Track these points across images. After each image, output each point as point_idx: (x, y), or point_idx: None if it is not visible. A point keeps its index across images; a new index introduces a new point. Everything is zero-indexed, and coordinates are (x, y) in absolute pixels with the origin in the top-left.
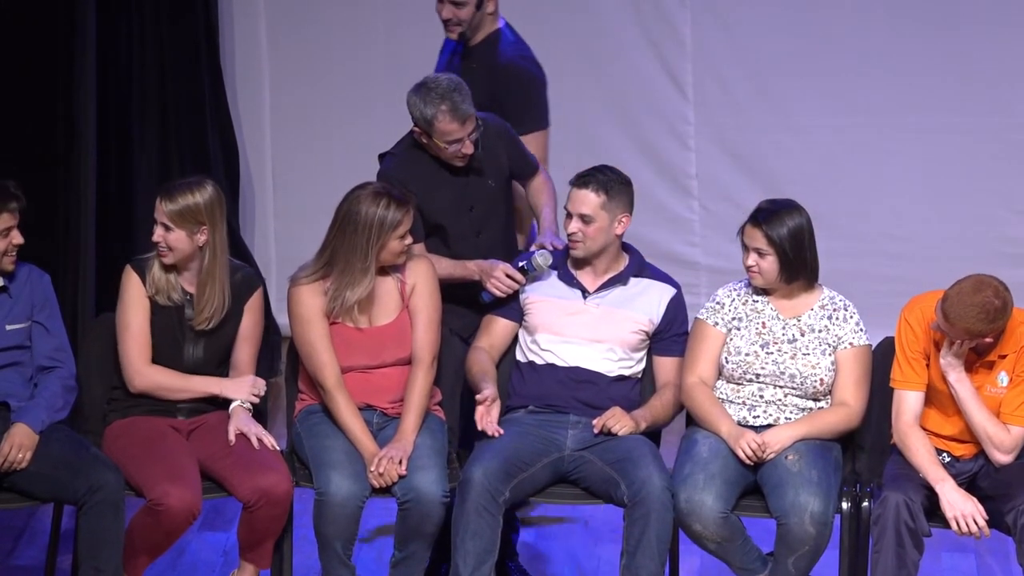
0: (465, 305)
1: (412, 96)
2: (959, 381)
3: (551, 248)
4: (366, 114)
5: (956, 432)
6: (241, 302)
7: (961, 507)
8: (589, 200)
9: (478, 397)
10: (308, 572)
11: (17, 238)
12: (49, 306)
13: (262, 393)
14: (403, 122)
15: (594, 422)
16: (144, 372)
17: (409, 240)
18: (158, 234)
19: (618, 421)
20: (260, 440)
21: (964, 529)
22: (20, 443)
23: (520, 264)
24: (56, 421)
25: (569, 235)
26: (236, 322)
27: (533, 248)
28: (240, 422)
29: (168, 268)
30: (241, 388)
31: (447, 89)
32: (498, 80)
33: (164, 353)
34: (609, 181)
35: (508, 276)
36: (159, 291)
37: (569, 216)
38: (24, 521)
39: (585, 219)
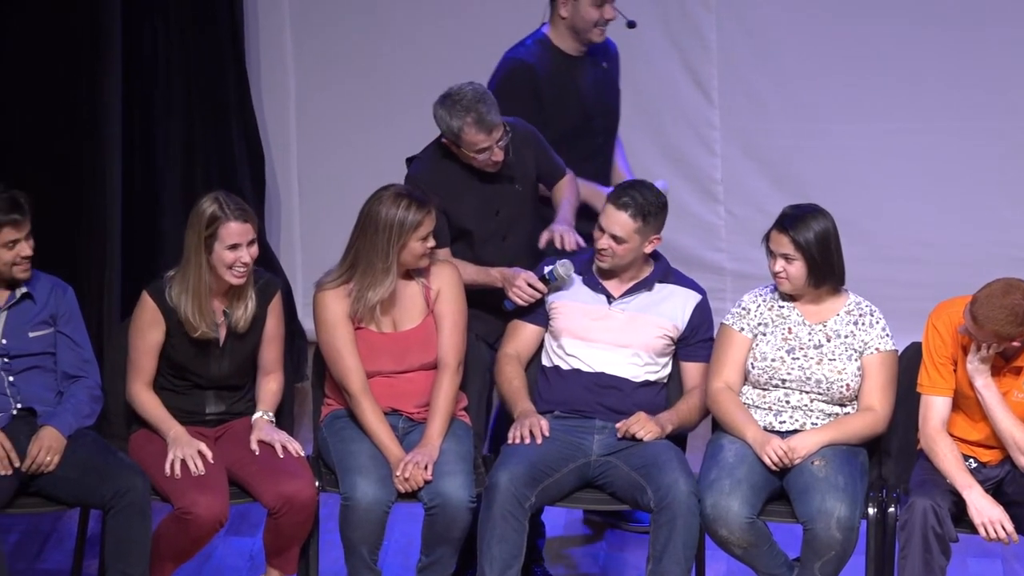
0: (491, 311)
1: (438, 108)
2: (986, 387)
3: (558, 238)
4: (391, 119)
5: (982, 438)
6: (264, 306)
7: (989, 513)
8: (625, 224)
9: (532, 429)
10: None
11: (25, 250)
12: (74, 319)
13: (194, 461)
14: (428, 127)
15: (618, 426)
16: (134, 397)
17: (431, 243)
18: (251, 253)
19: (643, 426)
20: (285, 447)
21: (992, 535)
22: (49, 446)
23: (542, 274)
24: (83, 427)
25: (598, 249)
26: (260, 328)
27: (542, 239)
28: (262, 432)
29: (199, 295)
30: (181, 444)
31: (472, 100)
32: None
33: (192, 368)
34: (648, 206)
35: (530, 285)
36: (191, 325)
37: (601, 230)
38: (51, 525)
39: (617, 240)
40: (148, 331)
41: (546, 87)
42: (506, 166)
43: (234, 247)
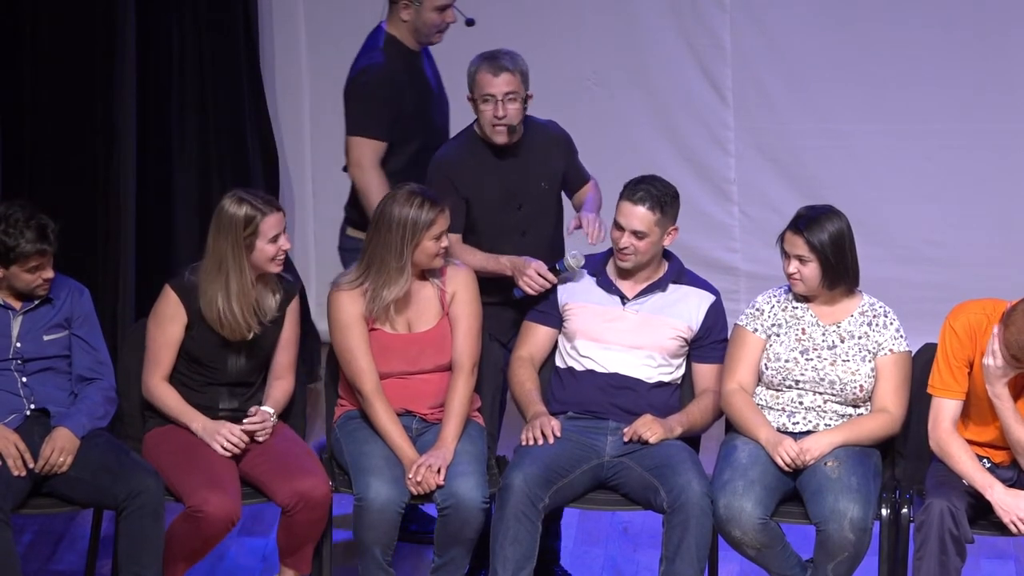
0: (505, 308)
1: (471, 65)
2: (996, 396)
3: (587, 224)
4: None
5: (994, 439)
6: (283, 307)
7: (1016, 509)
8: (645, 218)
9: (543, 430)
10: None
11: (47, 273)
12: (89, 321)
13: (231, 440)
14: None
15: (624, 431)
16: (152, 389)
17: (445, 243)
18: (285, 242)
19: (648, 428)
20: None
21: None
22: (62, 447)
23: (553, 264)
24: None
25: (620, 248)
26: (278, 329)
27: (571, 224)
28: (256, 418)
29: (247, 296)
30: (213, 431)
31: (497, 51)
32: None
33: (209, 363)
34: (663, 197)
35: (540, 275)
36: (236, 329)
37: (620, 228)
38: (64, 526)
39: (638, 235)
40: (169, 324)
41: (404, 87)
42: (526, 151)
43: (275, 238)
